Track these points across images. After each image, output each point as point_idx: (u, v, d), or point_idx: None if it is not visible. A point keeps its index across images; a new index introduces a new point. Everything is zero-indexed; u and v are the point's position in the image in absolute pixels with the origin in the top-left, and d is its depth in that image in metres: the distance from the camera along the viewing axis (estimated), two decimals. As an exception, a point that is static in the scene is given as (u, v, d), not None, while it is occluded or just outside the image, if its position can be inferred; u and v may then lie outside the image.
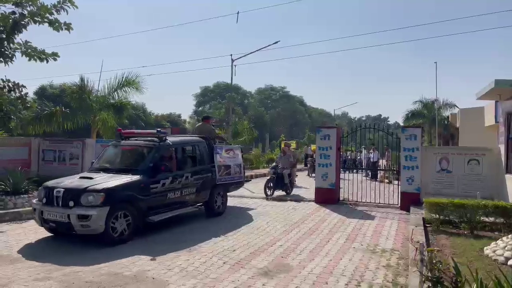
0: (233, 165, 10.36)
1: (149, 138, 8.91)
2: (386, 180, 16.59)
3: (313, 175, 16.83)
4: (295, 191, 14.28)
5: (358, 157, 23.95)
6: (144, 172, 7.82)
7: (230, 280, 5.27)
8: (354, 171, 17.17)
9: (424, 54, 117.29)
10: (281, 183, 13.38)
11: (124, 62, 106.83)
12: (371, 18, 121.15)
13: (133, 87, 18.41)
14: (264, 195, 12.79)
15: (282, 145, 29.78)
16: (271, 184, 13.14)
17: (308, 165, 22.67)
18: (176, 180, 8.42)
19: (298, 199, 12.69)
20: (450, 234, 7.66)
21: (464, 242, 6.96)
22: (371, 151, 20.75)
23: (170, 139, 9.04)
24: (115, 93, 18.48)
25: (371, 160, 20.55)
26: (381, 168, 18.17)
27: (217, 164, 9.75)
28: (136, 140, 9.12)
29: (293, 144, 32.42)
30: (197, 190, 9.07)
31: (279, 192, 13.48)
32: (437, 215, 8.14)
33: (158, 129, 8.89)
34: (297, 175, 17.20)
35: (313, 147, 26.03)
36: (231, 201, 11.11)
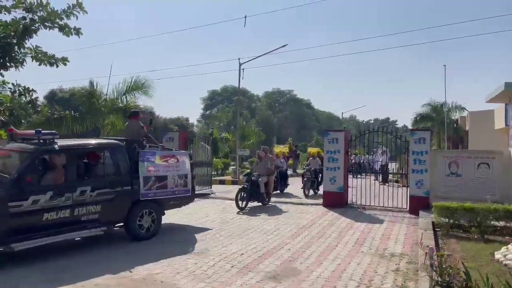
0: (173, 176, 8.13)
1: (32, 141, 6.88)
2: (399, 184, 16.32)
3: (311, 192, 14.55)
4: (281, 201, 12.58)
5: (362, 160, 23.57)
6: (1, 186, 6.08)
7: (238, 284, 5.27)
8: (358, 176, 15.67)
9: (433, 57, 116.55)
10: (256, 193, 11.53)
11: (133, 66, 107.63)
12: (379, 21, 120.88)
13: (141, 91, 18.54)
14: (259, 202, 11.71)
15: (287, 148, 25.90)
16: (244, 194, 11.23)
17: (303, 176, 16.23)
18: (61, 196, 6.46)
19: (275, 212, 10.89)
20: (460, 238, 7.59)
21: (474, 247, 6.88)
22: (381, 153, 20.54)
23: (61, 142, 7.01)
24: (124, 97, 18.63)
25: (381, 163, 20.35)
26: (388, 171, 17.99)
27: (143, 175, 7.63)
28: (21, 143, 7.16)
29: (284, 149, 25.13)
30: (104, 208, 7.01)
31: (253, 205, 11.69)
32: (447, 219, 8.07)
33: (38, 129, 6.83)
34: (288, 184, 15.84)
35: (310, 149, 23.50)
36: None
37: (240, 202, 11.06)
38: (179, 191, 8.31)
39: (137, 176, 7.61)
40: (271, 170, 12.32)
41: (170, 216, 9.05)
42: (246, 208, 11.07)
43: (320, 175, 14.78)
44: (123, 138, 8.30)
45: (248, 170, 12.53)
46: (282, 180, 15.07)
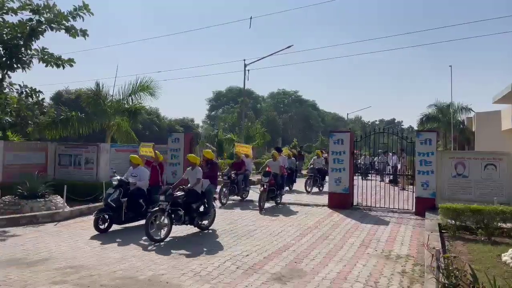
0: None
1: None
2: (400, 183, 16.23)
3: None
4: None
5: (359, 161, 22.91)
6: None
7: (243, 285, 5.26)
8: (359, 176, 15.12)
9: (439, 57, 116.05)
10: None
11: (139, 68, 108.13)
12: (385, 22, 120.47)
13: (147, 92, 18.61)
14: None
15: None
16: None
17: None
18: None
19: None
20: (466, 240, 7.54)
21: (481, 249, 6.84)
22: (388, 155, 20.36)
23: None
24: (130, 98, 18.69)
25: (389, 164, 20.14)
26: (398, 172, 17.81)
27: None
28: None
29: (148, 150, 11.21)
30: None
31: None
32: (453, 221, 8.03)
33: None
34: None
35: (238, 148, 14.02)
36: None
37: None
38: None
39: None
40: None
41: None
42: None
43: (244, 182, 10.68)
44: None
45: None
46: (134, 210, 8.70)
